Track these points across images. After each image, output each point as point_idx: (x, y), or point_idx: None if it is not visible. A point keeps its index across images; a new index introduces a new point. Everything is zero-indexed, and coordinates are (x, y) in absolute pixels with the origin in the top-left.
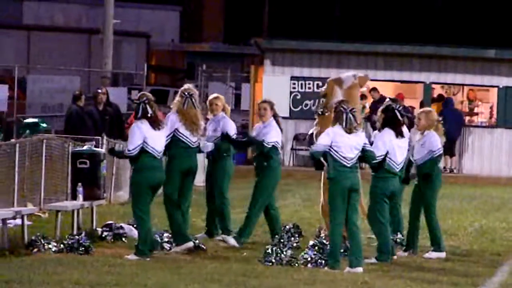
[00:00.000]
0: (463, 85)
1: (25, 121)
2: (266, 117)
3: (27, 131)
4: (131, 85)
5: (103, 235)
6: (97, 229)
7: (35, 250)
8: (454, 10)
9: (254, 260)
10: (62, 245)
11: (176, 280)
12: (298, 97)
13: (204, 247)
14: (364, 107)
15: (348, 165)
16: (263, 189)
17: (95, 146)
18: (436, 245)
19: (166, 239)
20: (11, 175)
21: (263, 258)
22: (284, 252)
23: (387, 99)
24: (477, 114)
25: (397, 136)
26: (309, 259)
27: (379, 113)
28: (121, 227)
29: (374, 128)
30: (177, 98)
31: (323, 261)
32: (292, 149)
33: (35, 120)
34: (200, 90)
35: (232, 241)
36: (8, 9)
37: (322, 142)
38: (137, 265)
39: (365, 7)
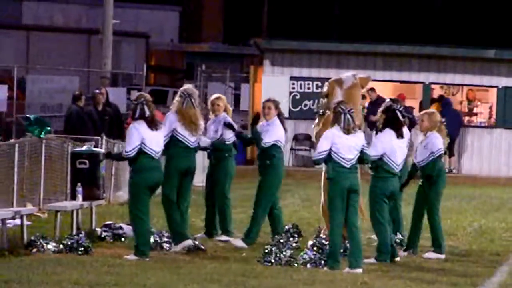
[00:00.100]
0: (462, 85)
1: (31, 117)
2: (270, 115)
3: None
4: (131, 85)
5: (103, 235)
6: (97, 229)
7: (34, 250)
8: (453, 10)
9: (253, 260)
10: (61, 245)
11: (175, 280)
12: (298, 97)
13: (204, 248)
14: (364, 107)
15: (347, 166)
16: (267, 188)
17: (95, 146)
18: (437, 246)
19: (165, 239)
20: (11, 175)
21: (262, 258)
22: (284, 252)
23: (387, 100)
24: (476, 114)
25: (397, 137)
26: (308, 259)
27: (379, 113)
28: (121, 227)
29: (371, 129)
30: (177, 98)
31: (323, 261)
32: (291, 149)
33: (43, 120)
34: (199, 90)
35: (239, 243)
36: (8, 9)
37: (323, 148)
38: (137, 265)
39: (365, 7)
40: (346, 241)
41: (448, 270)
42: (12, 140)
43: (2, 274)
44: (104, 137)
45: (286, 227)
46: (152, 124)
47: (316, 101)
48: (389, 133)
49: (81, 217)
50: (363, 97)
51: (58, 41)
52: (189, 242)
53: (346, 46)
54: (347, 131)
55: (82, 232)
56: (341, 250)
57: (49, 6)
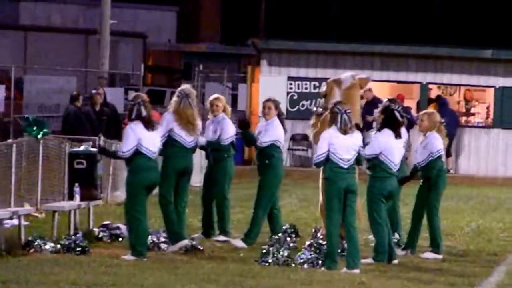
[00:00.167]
0: (459, 85)
1: (29, 117)
2: (270, 115)
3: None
4: (128, 85)
5: (100, 236)
6: (94, 229)
7: (32, 250)
8: (450, 10)
9: (251, 260)
10: (59, 246)
11: (173, 281)
12: (295, 97)
13: (201, 248)
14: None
15: (345, 166)
16: (267, 188)
17: (92, 147)
18: (435, 246)
19: (162, 239)
20: (8, 175)
21: (260, 258)
22: (281, 252)
23: (385, 100)
24: (473, 114)
25: (396, 137)
26: (305, 259)
27: (378, 113)
28: (118, 228)
29: (367, 129)
30: (174, 98)
31: (320, 261)
32: (289, 149)
33: (41, 121)
34: (196, 91)
35: (240, 243)
36: (5, 9)
37: (322, 150)
38: (134, 265)
39: (362, 7)
40: (344, 241)
41: (446, 270)
42: (9, 140)
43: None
44: (102, 137)
45: (284, 227)
46: (149, 124)
47: (314, 101)
48: (387, 133)
49: (79, 217)
50: (361, 97)
51: (56, 41)
52: (185, 242)
53: (344, 46)
54: (344, 131)
55: (80, 232)
56: (339, 250)
57: (47, 6)
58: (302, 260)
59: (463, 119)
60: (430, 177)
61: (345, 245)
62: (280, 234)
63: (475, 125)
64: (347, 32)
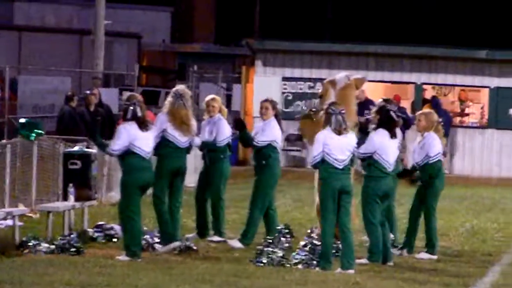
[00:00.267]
0: (454, 85)
1: (21, 121)
2: (267, 115)
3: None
4: (123, 86)
5: (94, 236)
6: (88, 230)
7: (26, 251)
8: (445, 11)
9: (245, 261)
10: (53, 246)
11: (167, 281)
12: (290, 97)
13: (195, 248)
14: None
15: (340, 167)
16: (263, 188)
17: (87, 147)
18: (430, 247)
19: (156, 240)
20: (2, 176)
21: (255, 259)
22: (276, 253)
23: (380, 100)
24: (468, 114)
25: (391, 137)
26: (300, 259)
27: (373, 113)
28: (112, 228)
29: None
30: (169, 98)
31: (315, 262)
32: (283, 149)
33: (32, 121)
34: (191, 91)
35: (237, 244)
36: None
37: (317, 151)
38: (128, 266)
39: (357, 8)
40: (338, 242)
41: (441, 271)
42: (4, 141)
43: None
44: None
45: (278, 227)
46: (143, 125)
47: (309, 101)
48: (382, 133)
49: (73, 217)
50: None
51: (50, 42)
52: (177, 243)
53: (338, 47)
54: (339, 132)
55: (74, 232)
56: (333, 251)
57: (41, 7)
58: (296, 261)
59: (458, 119)
60: (426, 177)
61: (340, 246)
62: (275, 234)
63: (469, 126)
64: (342, 32)
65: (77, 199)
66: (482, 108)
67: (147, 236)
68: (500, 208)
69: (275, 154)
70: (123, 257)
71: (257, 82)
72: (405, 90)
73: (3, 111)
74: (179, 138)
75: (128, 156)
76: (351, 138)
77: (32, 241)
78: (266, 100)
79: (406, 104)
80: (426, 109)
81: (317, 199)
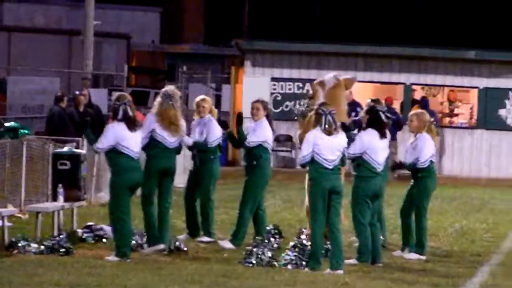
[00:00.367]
0: (443, 86)
1: (5, 125)
2: (258, 116)
3: (10, 134)
4: (112, 86)
5: (84, 237)
6: (78, 230)
7: (15, 251)
8: (434, 11)
9: (234, 261)
10: (42, 247)
11: (156, 281)
12: (279, 98)
13: (185, 248)
14: None
15: (330, 167)
16: (253, 188)
17: (76, 148)
18: (420, 247)
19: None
20: None
21: (244, 259)
22: (265, 253)
23: (369, 101)
24: (457, 115)
25: (381, 137)
26: (289, 260)
27: (363, 114)
28: (102, 229)
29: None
30: (158, 99)
31: (304, 262)
32: (272, 150)
33: (16, 125)
34: (180, 91)
35: (228, 244)
36: None
37: (306, 151)
38: (118, 266)
39: (345, 8)
40: (328, 242)
41: (430, 271)
42: None
43: None
44: (86, 138)
45: (267, 228)
46: (133, 125)
47: (298, 102)
48: (371, 133)
49: (62, 218)
50: None
51: (39, 42)
52: (162, 246)
53: (327, 47)
54: (329, 132)
55: (63, 233)
56: (323, 251)
57: (30, 7)
58: (286, 261)
59: (447, 119)
60: (419, 177)
61: (329, 246)
62: (264, 235)
63: (458, 126)
64: (331, 33)
65: (66, 199)
66: (471, 108)
67: (136, 237)
68: (489, 209)
69: (266, 154)
70: (112, 258)
71: (246, 82)
72: (394, 90)
73: None
74: (167, 138)
75: (117, 156)
76: (341, 138)
77: (22, 242)
78: (257, 101)
79: (395, 104)
80: (418, 110)
81: (307, 200)
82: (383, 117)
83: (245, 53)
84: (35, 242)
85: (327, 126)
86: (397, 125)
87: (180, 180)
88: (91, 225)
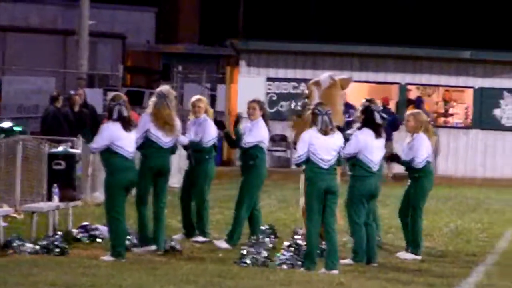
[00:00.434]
0: (438, 86)
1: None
2: (255, 116)
3: (2, 135)
4: (107, 86)
5: (79, 236)
6: (73, 230)
7: (11, 251)
8: (429, 11)
9: (229, 261)
10: (37, 247)
11: (151, 281)
12: (274, 98)
13: (180, 249)
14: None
15: (325, 167)
16: (248, 188)
17: (71, 147)
18: (415, 247)
19: None
20: None
21: (239, 259)
22: (260, 253)
23: (363, 100)
24: (452, 115)
25: (376, 137)
26: (284, 260)
27: (358, 114)
28: (97, 228)
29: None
30: (152, 98)
31: (299, 262)
32: (268, 150)
33: (10, 124)
34: (175, 91)
35: (224, 245)
36: None
37: (302, 150)
38: (113, 266)
39: (341, 8)
40: (323, 242)
41: (425, 271)
42: None
43: None
44: (81, 138)
45: (262, 228)
46: (128, 125)
47: (293, 102)
48: (366, 133)
49: (58, 218)
50: None
51: (34, 42)
52: (152, 248)
53: (322, 47)
54: (325, 132)
55: (59, 233)
56: (318, 251)
57: (25, 7)
58: (281, 261)
59: (442, 119)
60: (415, 177)
61: (324, 246)
62: (259, 235)
63: (454, 126)
64: (326, 33)
65: (61, 199)
66: (466, 108)
67: (131, 237)
68: (484, 209)
69: (262, 154)
70: (107, 258)
71: (241, 82)
72: (389, 90)
73: None
74: (162, 138)
75: (111, 156)
76: (337, 138)
77: (17, 242)
78: (253, 101)
79: (391, 104)
80: (415, 110)
81: (302, 200)
82: (378, 117)
83: (240, 53)
84: (30, 242)
85: (323, 126)
86: (393, 125)
87: (175, 180)
88: (86, 225)
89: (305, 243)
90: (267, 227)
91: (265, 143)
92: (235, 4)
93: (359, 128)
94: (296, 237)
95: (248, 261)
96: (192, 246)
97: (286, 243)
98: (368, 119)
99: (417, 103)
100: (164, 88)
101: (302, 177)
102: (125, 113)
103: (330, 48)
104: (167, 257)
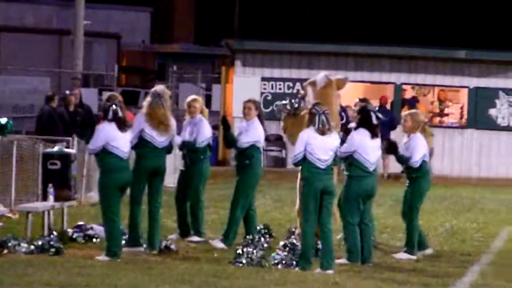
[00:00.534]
0: (433, 85)
1: None
2: (250, 116)
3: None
4: (102, 86)
5: (74, 236)
6: (68, 230)
7: (6, 251)
8: (424, 10)
9: (225, 261)
10: (32, 246)
11: (146, 281)
12: (269, 98)
13: (175, 248)
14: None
15: (322, 167)
16: (244, 188)
17: (66, 147)
18: (410, 247)
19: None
20: None
21: (234, 259)
22: (255, 253)
23: (357, 100)
24: (447, 114)
25: (372, 137)
26: (279, 259)
27: (355, 113)
28: (92, 228)
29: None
30: (147, 98)
31: (294, 262)
32: (263, 149)
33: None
34: (171, 91)
35: (220, 244)
36: None
37: (299, 150)
38: (108, 266)
39: (336, 8)
40: (319, 242)
41: (420, 271)
42: None
43: None
44: (76, 138)
45: (257, 227)
46: (123, 125)
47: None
48: (362, 133)
49: (53, 218)
50: None
51: (29, 42)
52: (141, 250)
53: (317, 47)
54: (322, 132)
55: (54, 233)
56: (313, 251)
57: (20, 7)
58: (276, 261)
59: (437, 119)
60: (412, 178)
61: (320, 246)
62: (254, 235)
63: (449, 126)
64: (321, 32)
65: (56, 199)
66: (461, 108)
67: (126, 237)
68: (479, 208)
69: (258, 154)
70: (102, 257)
71: (236, 82)
72: (384, 90)
73: None
74: (156, 138)
75: (106, 156)
76: (334, 138)
77: (12, 242)
78: (249, 101)
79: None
80: (412, 110)
81: (298, 200)
82: (374, 117)
83: (236, 53)
84: (25, 241)
85: (320, 125)
86: (391, 124)
87: (171, 180)
88: (81, 225)
89: (300, 243)
90: (262, 226)
91: (261, 143)
92: (231, 4)
93: (355, 128)
94: (294, 235)
95: (243, 261)
96: (187, 246)
97: (281, 243)
98: (364, 119)
99: (411, 103)
100: (158, 87)
101: (299, 176)
102: (120, 114)
103: (325, 48)
104: (162, 257)
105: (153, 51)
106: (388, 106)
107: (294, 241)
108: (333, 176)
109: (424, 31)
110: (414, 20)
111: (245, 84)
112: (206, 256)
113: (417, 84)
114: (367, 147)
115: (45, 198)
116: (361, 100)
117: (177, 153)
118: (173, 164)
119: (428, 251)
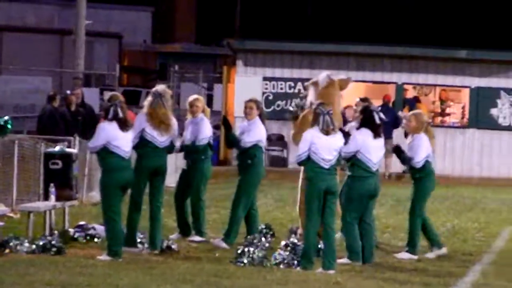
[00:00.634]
0: (435, 85)
1: None
2: (252, 115)
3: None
4: (103, 85)
5: (75, 236)
6: (70, 229)
7: (7, 251)
8: (425, 10)
9: (226, 261)
10: (34, 246)
11: (148, 281)
12: (270, 97)
13: (176, 248)
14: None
15: (326, 167)
16: (246, 187)
17: (68, 147)
18: (411, 247)
19: (138, 240)
20: None
21: (235, 259)
22: (256, 253)
23: (358, 100)
24: (449, 114)
25: (375, 137)
26: (281, 259)
27: (356, 113)
28: (93, 228)
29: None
30: (148, 98)
31: (296, 262)
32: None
33: (5, 118)
34: (172, 91)
35: (221, 244)
36: None
37: (303, 149)
38: (109, 265)
39: (337, 7)
40: (321, 241)
41: (421, 270)
42: None
43: None
44: (78, 138)
45: (259, 227)
46: (124, 125)
47: (290, 101)
48: (365, 132)
49: (54, 217)
50: None
51: (31, 42)
52: (136, 251)
53: (319, 47)
54: (326, 132)
55: (55, 232)
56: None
57: (21, 7)
58: (277, 260)
59: (439, 119)
60: (417, 178)
61: (321, 245)
62: (255, 234)
63: (450, 125)
64: (323, 32)
65: (58, 199)
66: (462, 108)
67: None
68: (481, 208)
69: (260, 154)
70: (104, 257)
71: (238, 82)
72: (386, 90)
73: None
74: (157, 137)
75: (107, 156)
76: (338, 138)
77: (13, 241)
78: (250, 100)
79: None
80: (416, 110)
81: (299, 199)
82: (376, 117)
83: (237, 53)
84: (27, 241)
85: (325, 125)
86: (394, 123)
87: (172, 179)
88: (82, 225)
89: (301, 242)
90: (264, 226)
91: (263, 142)
92: (232, 4)
93: (358, 128)
94: (296, 235)
95: (245, 261)
96: (188, 245)
97: (283, 243)
98: (366, 119)
99: (411, 103)
100: (159, 87)
101: (301, 176)
102: (120, 114)
103: (327, 47)
104: (164, 257)
105: (155, 51)
106: (390, 105)
107: (295, 240)
108: (337, 176)
109: (425, 31)
110: (415, 20)
111: (246, 83)
112: (207, 255)
113: (418, 84)
114: (370, 147)
115: (46, 197)
116: (362, 100)
117: (178, 153)
118: (174, 163)
119: (442, 250)
